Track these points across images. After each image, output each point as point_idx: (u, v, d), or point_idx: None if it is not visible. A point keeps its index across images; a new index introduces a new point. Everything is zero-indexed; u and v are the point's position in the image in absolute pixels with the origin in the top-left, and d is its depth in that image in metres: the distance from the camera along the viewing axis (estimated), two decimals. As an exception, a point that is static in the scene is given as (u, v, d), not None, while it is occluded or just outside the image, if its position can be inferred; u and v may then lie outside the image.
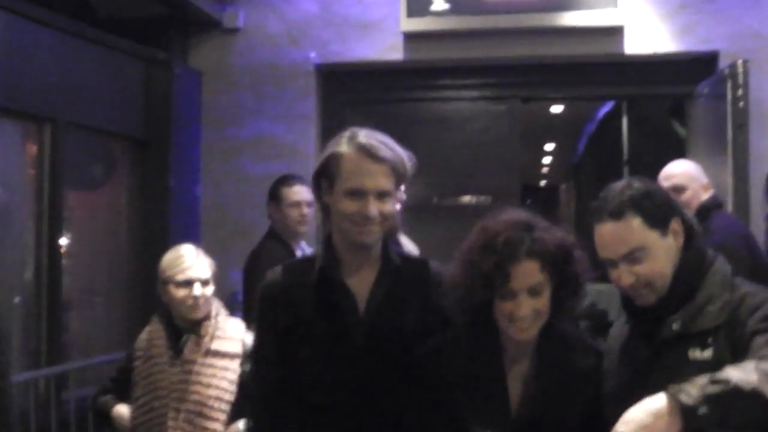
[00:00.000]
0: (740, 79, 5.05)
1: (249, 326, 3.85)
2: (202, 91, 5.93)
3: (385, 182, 2.23)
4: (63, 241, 4.83)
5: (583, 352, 2.28)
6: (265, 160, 5.74)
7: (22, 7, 4.38)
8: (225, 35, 5.96)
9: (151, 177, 5.46)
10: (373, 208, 2.19)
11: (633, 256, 2.10)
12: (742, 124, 5.04)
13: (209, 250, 5.63)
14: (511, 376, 2.23)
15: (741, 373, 1.80)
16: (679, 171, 4.39)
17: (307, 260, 2.43)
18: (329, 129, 5.94)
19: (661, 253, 2.13)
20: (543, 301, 2.12)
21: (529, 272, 2.09)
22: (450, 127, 6.12)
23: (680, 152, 5.91)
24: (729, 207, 4.91)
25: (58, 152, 4.69)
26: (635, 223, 2.12)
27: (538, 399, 2.20)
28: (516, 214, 2.19)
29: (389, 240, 2.34)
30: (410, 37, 5.76)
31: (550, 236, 2.13)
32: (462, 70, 6.02)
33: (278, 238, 4.49)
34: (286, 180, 4.61)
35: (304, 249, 4.62)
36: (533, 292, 2.10)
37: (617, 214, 2.12)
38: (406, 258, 2.41)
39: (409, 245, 4.37)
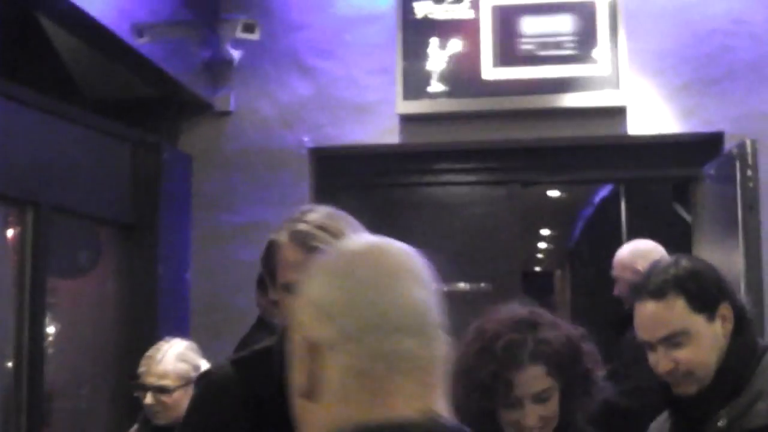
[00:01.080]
0: (749, 159, 4.91)
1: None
2: (192, 175, 5.78)
3: None
4: (47, 329, 4.66)
5: None
6: (257, 246, 5.22)
7: (4, 86, 4.22)
8: (216, 118, 5.83)
9: (139, 263, 5.27)
10: None
11: (673, 341, 1.97)
12: (752, 206, 4.89)
13: (200, 338, 5.41)
14: None
15: None
16: (615, 261, 4.16)
17: (264, 353, 2.05)
18: None
19: (705, 339, 1.98)
20: (552, 407, 1.96)
21: (534, 378, 1.93)
22: (448, 212, 5.97)
23: (684, 236, 5.76)
24: (741, 291, 4.69)
25: (41, 237, 4.50)
26: (678, 304, 1.98)
27: None
28: (517, 310, 2.04)
29: None
30: (407, 120, 5.64)
31: (555, 335, 1.97)
32: (460, 154, 5.90)
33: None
34: None
35: None
36: (540, 399, 1.93)
37: (659, 294, 1.99)
38: None
39: None
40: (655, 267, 2.07)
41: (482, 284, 5.88)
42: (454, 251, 5.89)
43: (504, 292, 5.72)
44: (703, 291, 1.99)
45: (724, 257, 4.94)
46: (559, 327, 2.00)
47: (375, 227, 5.69)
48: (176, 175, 5.55)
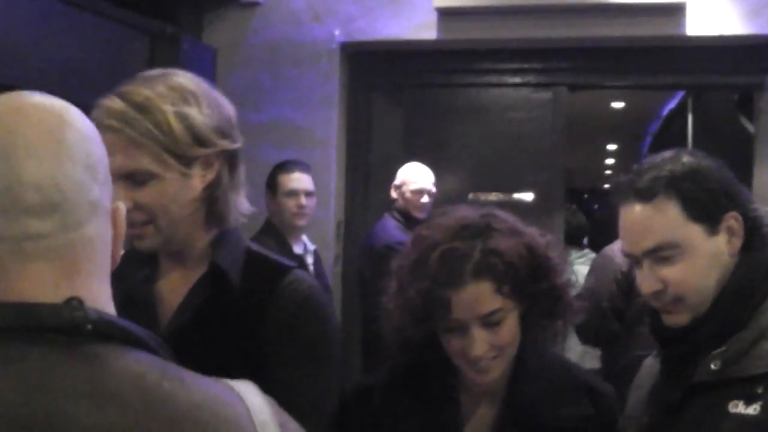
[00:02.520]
0: (819, 65, 4.39)
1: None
2: (216, 70, 5.48)
3: (127, 161, 1.59)
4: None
5: (574, 396, 1.75)
6: (282, 146, 5.29)
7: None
8: (243, 10, 5.50)
9: None
10: (128, 199, 1.59)
11: (661, 254, 1.62)
12: (818, 116, 4.40)
13: None
14: (472, 427, 1.73)
15: None
16: None
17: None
18: (354, 115, 5.60)
19: (702, 255, 1.62)
20: (505, 333, 1.62)
21: (478, 298, 1.59)
22: (488, 116, 5.64)
23: (748, 150, 5.31)
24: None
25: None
26: (670, 209, 1.62)
27: None
28: (467, 213, 1.70)
29: (223, 238, 1.72)
30: (444, 14, 5.23)
31: (510, 244, 1.62)
32: (502, 53, 5.48)
33: (274, 232, 4.14)
34: (285, 166, 4.36)
35: (306, 244, 4.23)
36: (489, 322, 1.60)
37: (647, 194, 1.64)
38: (256, 262, 1.76)
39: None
40: (649, 162, 1.70)
41: (522, 194, 5.60)
42: (494, 158, 5.65)
43: (547, 203, 5.49)
44: (705, 194, 1.62)
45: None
46: (520, 234, 1.67)
47: (409, 131, 5.47)
48: (197, 68, 5.09)
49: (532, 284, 1.65)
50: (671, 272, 1.61)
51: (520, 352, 1.71)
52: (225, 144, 1.70)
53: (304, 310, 1.67)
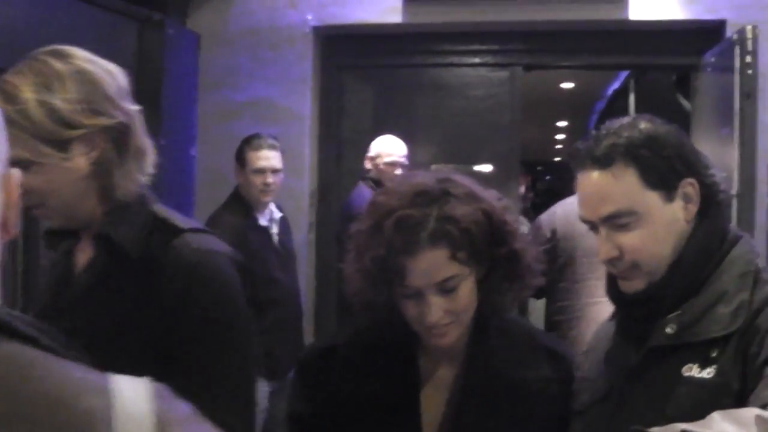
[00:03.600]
0: (749, 46, 4.70)
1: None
2: (199, 54, 5.71)
3: (7, 150, 1.66)
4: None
5: (534, 357, 1.72)
6: (260, 123, 5.53)
7: (5, -40, 4.13)
8: (224, -3, 5.77)
9: None
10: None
11: (618, 222, 1.58)
12: (749, 94, 4.67)
13: (204, 209, 5.50)
14: (429, 392, 1.69)
15: (735, 428, 1.24)
16: None
17: None
18: (326, 93, 5.85)
19: (658, 222, 1.58)
20: (461, 299, 1.58)
21: (433, 265, 1.53)
22: (450, 94, 5.91)
23: (685, 127, 5.62)
24: (734, 184, 4.58)
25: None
26: (628, 175, 1.58)
27: (464, 425, 1.65)
28: (423, 178, 1.63)
29: (117, 209, 1.69)
30: (410, 0, 5.52)
31: (466, 210, 1.56)
32: (462, 36, 5.79)
33: (241, 203, 4.27)
34: (253, 141, 4.41)
35: (273, 212, 4.39)
36: (444, 289, 1.56)
37: (605, 161, 1.59)
38: (157, 226, 1.70)
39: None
40: (606, 128, 1.64)
41: (482, 166, 5.89)
42: (457, 133, 5.91)
43: (504, 174, 5.72)
44: (662, 161, 1.58)
45: (720, 148, 4.81)
46: (477, 199, 1.61)
47: (377, 107, 5.72)
48: (182, 52, 5.49)
49: (489, 249, 1.60)
50: (628, 239, 1.58)
51: (479, 314, 1.67)
52: (101, 121, 1.61)
53: (190, 278, 1.60)
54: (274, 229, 4.39)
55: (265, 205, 4.35)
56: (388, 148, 4.94)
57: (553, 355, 1.74)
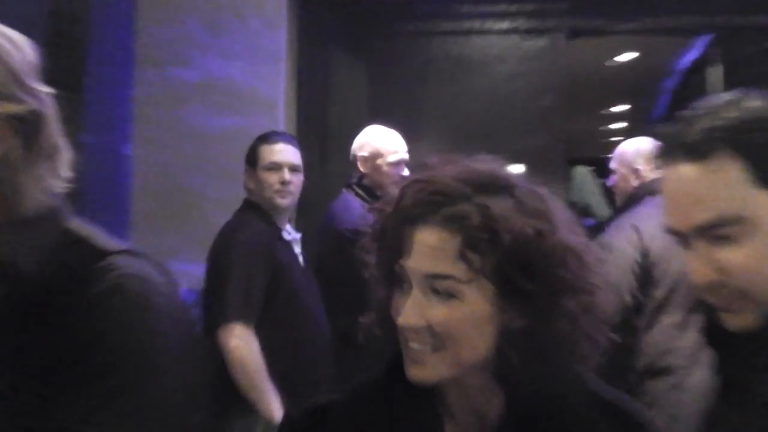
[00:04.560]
0: None
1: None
2: (136, 18, 5.71)
3: None
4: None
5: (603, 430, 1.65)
6: (218, 110, 5.55)
7: None
8: (167, -56, 5.75)
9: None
10: None
11: (718, 232, 1.50)
12: None
13: (143, 231, 5.42)
14: None
15: None
16: (616, 152, 4.79)
17: None
18: (306, 72, 5.86)
19: None
20: (451, 319, 1.55)
21: (435, 249, 1.55)
22: (469, 71, 5.90)
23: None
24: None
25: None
26: (731, 170, 1.49)
27: None
28: (491, 166, 1.65)
29: (13, 224, 1.70)
30: (416, -52, 5.53)
31: (512, 214, 1.53)
32: (486, -6, 5.79)
33: (258, 211, 4.28)
34: (268, 137, 4.43)
35: (289, 232, 4.40)
36: (435, 289, 1.56)
37: (699, 151, 1.51)
38: (70, 247, 1.72)
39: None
40: (703, 107, 1.56)
41: (512, 167, 5.73)
42: (478, 122, 5.89)
43: (542, 178, 5.65)
44: None
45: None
46: (539, 214, 1.56)
47: (373, 89, 5.68)
48: (111, 16, 5.51)
49: (524, 263, 1.54)
50: (733, 256, 1.50)
51: (480, 352, 1.61)
52: (5, 108, 1.62)
53: (106, 309, 1.61)
54: (297, 249, 4.40)
55: (284, 213, 4.34)
56: (392, 144, 4.87)
57: (627, 423, 1.67)
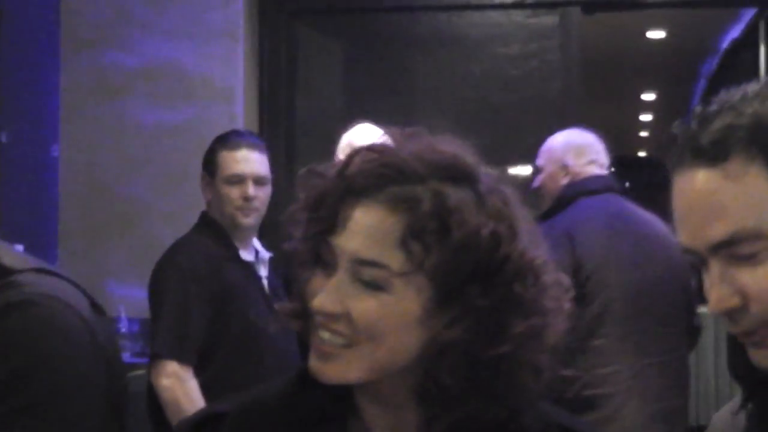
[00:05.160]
0: None
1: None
2: (62, -6, 5.73)
3: None
4: None
5: None
6: (163, 101, 5.55)
7: None
8: None
9: None
10: None
11: (739, 250, 1.43)
12: None
13: (72, 242, 5.38)
14: None
15: None
16: (542, 148, 4.73)
17: None
18: (269, 54, 5.87)
19: None
20: (372, 314, 1.53)
21: (372, 229, 1.52)
22: (467, 52, 5.88)
23: None
24: None
25: None
26: (754, 177, 1.41)
27: None
28: (457, 150, 1.60)
29: None
30: None
31: (470, 210, 1.50)
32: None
33: (214, 228, 4.24)
34: (228, 140, 4.37)
35: (259, 251, 4.39)
36: (361, 277, 1.52)
37: (716, 154, 1.43)
38: None
39: None
40: (721, 101, 1.48)
41: (519, 168, 5.86)
42: (475, 114, 5.89)
43: None
44: None
45: None
46: (501, 216, 1.54)
47: (349, 74, 5.63)
48: None
49: (474, 288, 1.53)
50: (756, 278, 1.43)
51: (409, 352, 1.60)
52: None
53: (3, 328, 1.66)
54: (263, 272, 4.39)
55: (247, 232, 4.32)
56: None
57: None
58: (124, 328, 5.06)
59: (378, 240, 1.50)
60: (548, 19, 5.75)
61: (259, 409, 1.68)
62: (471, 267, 1.51)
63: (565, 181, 4.51)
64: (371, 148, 1.58)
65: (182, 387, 3.80)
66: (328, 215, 1.54)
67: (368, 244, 1.50)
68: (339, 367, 1.55)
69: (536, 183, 4.65)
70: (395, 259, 1.49)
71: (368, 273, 1.50)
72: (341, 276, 1.51)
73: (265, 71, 5.84)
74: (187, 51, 5.61)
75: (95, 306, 1.80)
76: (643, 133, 17.20)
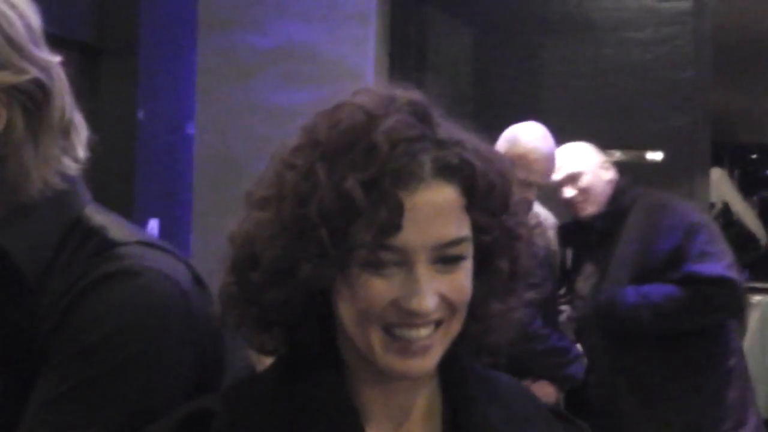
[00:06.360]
0: None
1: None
2: (198, -26, 5.81)
3: None
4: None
5: (547, 428, 1.69)
6: (295, 83, 5.59)
7: None
8: None
9: (109, 106, 5.29)
10: None
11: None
12: None
13: (207, 224, 5.47)
14: None
15: None
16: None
17: None
18: (399, 38, 5.91)
19: None
20: (462, 286, 1.49)
21: (440, 211, 1.44)
22: (596, 37, 5.88)
23: None
24: None
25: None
26: None
27: None
28: (413, 94, 1.54)
29: (17, 212, 1.74)
30: None
31: (476, 145, 1.51)
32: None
33: None
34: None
35: None
36: (447, 258, 1.46)
37: None
38: (81, 239, 1.76)
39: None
40: None
41: (650, 153, 5.82)
42: (603, 98, 5.87)
43: (685, 164, 5.65)
44: None
45: None
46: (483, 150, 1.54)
47: (479, 59, 5.62)
48: None
49: (494, 221, 1.53)
50: None
51: (455, 357, 1.61)
52: (4, 78, 1.65)
53: (97, 296, 1.66)
54: None
55: None
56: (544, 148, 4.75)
57: (569, 426, 1.73)
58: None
59: (450, 217, 1.44)
60: (681, 4, 5.70)
61: (250, 405, 1.60)
62: (501, 208, 1.51)
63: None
64: (391, 132, 1.43)
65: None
66: (390, 218, 1.40)
67: (446, 225, 1.44)
68: (434, 357, 1.51)
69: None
70: (467, 225, 1.46)
71: (452, 251, 1.45)
72: (422, 270, 1.43)
73: (394, 53, 5.88)
74: (319, 33, 5.64)
75: (197, 279, 1.79)
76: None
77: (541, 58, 5.92)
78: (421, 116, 1.47)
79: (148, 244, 1.75)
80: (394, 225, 1.39)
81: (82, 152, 1.76)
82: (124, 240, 1.73)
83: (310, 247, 1.42)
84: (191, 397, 1.68)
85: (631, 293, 4.08)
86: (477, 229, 1.48)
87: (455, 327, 1.50)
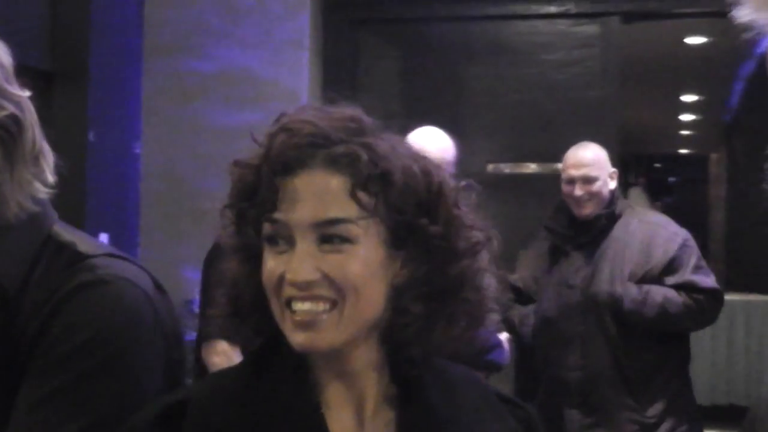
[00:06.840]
0: None
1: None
2: (144, 6, 5.96)
3: None
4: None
5: (495, 410, 1.76)
6: (234, 104, 5.79)
7: None
8: None
9: (62, 126, 5.35)
10: None
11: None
12: None
13: (153, 237, 5.62)
14: None
15: None
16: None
17: None
18: (332, 61, 6.06)
19: None
20: (352, 265, 1.56)
21: (320, 192, 1.55)
22: (515, 59, 6.05)
23: None
24: None
25: None
26: None
27: None
28: (353, 112, 1.64)
29: None
30: None
31: (395, 152, 1.60)
32: (533, -28, 5.94)
33: None
34: None
35: None
36: (327, 236, 1.55)
37: None
38: (53, 254, 1.86)
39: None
40: None
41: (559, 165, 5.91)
42: (522, 116, 6.04)
43: None
44: None
45: None
46: (417, 157, 1.65)
47: (407, 81, 5.78)
48: (118, 4, 5.73)
49: (421, 222, 1.60)
50: None
51: (406, 353, 1.67)
52: None
53: (75, 304, 1.73)
54: None
55: None
56: (438, 146, 4.82)
57: (514, 408, 1.78)
58: (196, 308, 5.14)
59: (330, 200, 1.53)
60: (591, 29, 5.91)
61: (220, 395, 1.65)
62: (416, 200, 1.58)
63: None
64: (287, 127, 1.57)
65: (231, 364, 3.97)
66: (267, 196, 1.54)
67: (323, 207, 1.53)
68: (326, 333, 1.56)
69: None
70: (351, 210, 1.53)
71: (333, 230, 1.54)
72: (304, 245, 1.53)
73: (328, 76, 6.06)
74: (258, 58, 5.84)
75: (158, 285, 1.87)
76: (685, 132, 17.02)
77: (464, 79, 6.11)
78: (356, 127, 1.59)
79: (114, 256, 1.84)
80: (271, 201, 1.54)
81: (50, 177, 1.82)
82: (93, 252, 1.81)
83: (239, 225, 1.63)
84: (163, 393, 1.75)
85: (635, 290, 4.43)
86: (388, 221, 1.58)
87: (351, 311, 1.57)
